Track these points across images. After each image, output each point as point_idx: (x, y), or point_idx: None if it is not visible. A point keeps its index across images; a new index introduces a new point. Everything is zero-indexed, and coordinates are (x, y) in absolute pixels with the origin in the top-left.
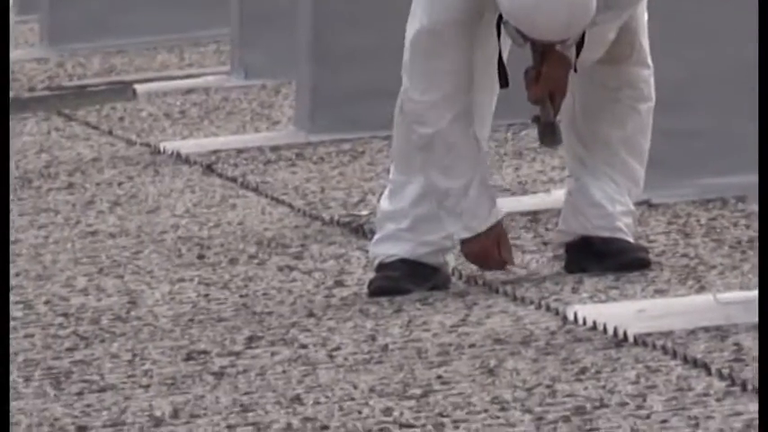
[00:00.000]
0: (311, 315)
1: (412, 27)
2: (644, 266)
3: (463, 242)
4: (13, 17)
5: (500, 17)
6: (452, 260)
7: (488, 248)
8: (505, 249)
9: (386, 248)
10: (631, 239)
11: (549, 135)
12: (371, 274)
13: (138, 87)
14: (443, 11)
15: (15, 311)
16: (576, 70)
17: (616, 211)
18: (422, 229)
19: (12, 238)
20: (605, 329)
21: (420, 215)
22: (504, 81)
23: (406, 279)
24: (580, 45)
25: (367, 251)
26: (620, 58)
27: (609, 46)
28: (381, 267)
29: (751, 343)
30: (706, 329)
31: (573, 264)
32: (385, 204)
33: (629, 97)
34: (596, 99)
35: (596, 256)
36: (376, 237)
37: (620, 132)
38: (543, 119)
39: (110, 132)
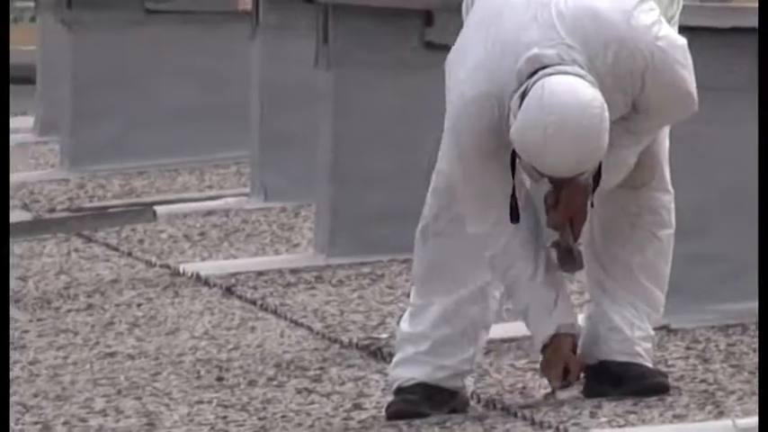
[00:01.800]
0: None
1: (441, 172)
2: (662, 391)
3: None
4: (33, 138)
5: (514, 151)
6: (471, 384)
7: (548, 361)
8: (572, 362)
9: (405, 372)
10: (650, 364)
11: (569, 260)
12: (390, 398)
13: (159, 209)
14: (467, 141)
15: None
16: (592, 204)
17: (635, 336)
18: (441, 352)
19: (30, 358)
20: None
21: (439, 338)
22: (515, 216)
23: (424, 403)
24: (598, 174)
25: (386, 374)
26: (641, 183)
27: (630, 171)
28: (400, 391)
29: None
30: None
31: (591, 388)
32: (405, 327)
33: (650, 223)
34: (616, 224)
35: (615, 381)
36: (395, 359)
37: (640, 258)
38: (563, 244)
39: (129, 254)
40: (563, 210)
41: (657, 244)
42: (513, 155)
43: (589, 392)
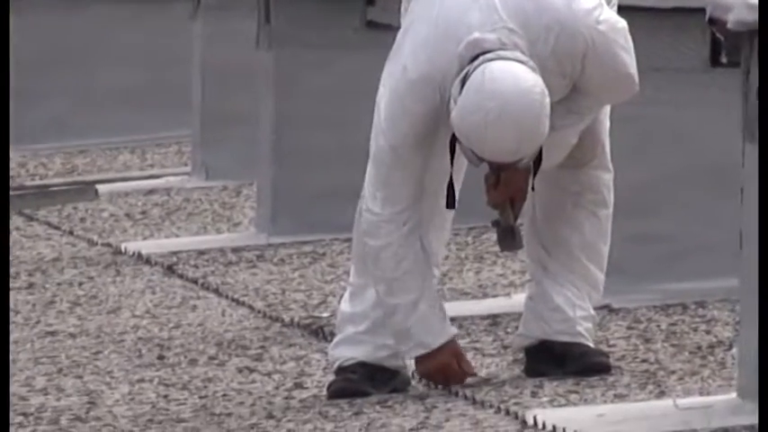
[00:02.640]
0: (271, 417)
1: (375, 142)
2: (604, 371)
3: (418, 360)
4: None
5: (453, 136)
6: (412, 363)
7: (448, 363)
8: (464, 362)
9: (345, 351)
10: (591, 344)
11: (509, 239)
12: (331, 377)
13: (100, 188)
14: (405, 127)
15: None
16: (533, 188)
17: (576, 315)
18: (381, 332)
19: None
20: None
21: (379, 318)
22: (451, 202)
23: (365, 382)
24: (539, 158)
25: (327, 353)
26: (582, 163)
27: (571, 150)
28: (341, 370)
29: None
30: None
31: (533, 368)
32: (345, 307)
33: (590, 202)
34: (558, 203)
35: (556, 361)
36: (336, 339)
37: (579, 237)
38: (503, 223)
39: (71, 232)
40: (503, 189)
41: (596, 222)
42: (453, 139)
43: (530, 372)
